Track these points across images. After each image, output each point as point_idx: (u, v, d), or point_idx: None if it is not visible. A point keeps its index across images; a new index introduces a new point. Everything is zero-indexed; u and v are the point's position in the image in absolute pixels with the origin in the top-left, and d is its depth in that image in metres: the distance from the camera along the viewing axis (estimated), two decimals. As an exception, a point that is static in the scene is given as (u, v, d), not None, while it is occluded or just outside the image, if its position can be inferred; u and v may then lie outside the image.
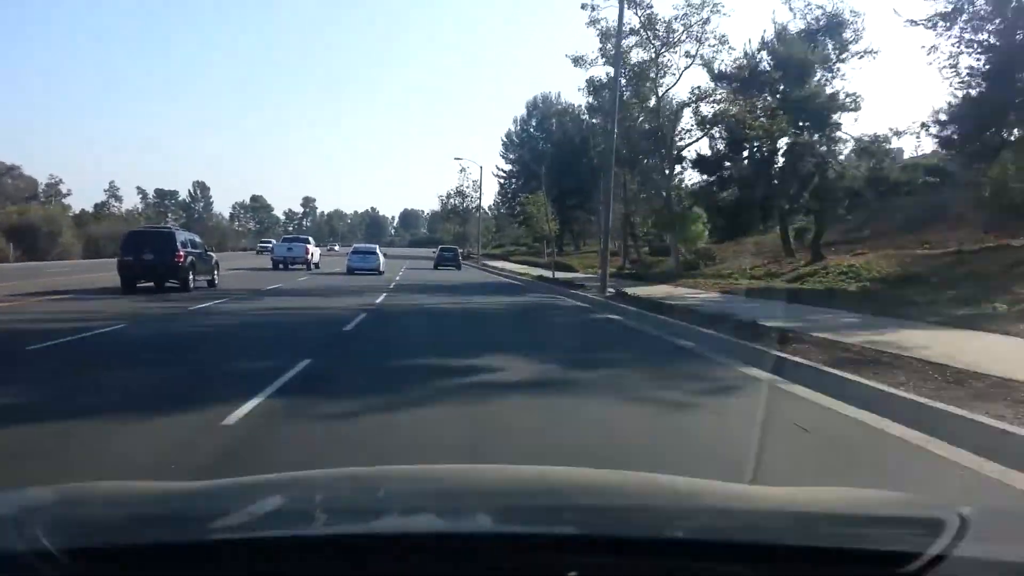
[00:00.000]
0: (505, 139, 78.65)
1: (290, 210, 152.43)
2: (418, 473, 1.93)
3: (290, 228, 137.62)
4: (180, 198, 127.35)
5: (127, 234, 17.70)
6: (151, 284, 16.34)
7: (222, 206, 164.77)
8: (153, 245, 16.17)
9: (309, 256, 31.41)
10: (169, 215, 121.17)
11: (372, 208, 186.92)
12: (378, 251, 30.41)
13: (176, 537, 1.12)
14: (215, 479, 1.68)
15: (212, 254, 19.42)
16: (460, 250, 51.20)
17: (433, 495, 1.48)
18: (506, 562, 1.00)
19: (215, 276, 18.62)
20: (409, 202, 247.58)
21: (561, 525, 1.27)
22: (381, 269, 28.93)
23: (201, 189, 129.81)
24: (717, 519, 1.33)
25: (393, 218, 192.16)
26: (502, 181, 76.46)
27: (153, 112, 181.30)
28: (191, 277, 16.61)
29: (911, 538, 1.16)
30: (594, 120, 63.43)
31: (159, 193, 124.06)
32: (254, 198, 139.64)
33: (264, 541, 1.09)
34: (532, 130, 75.08)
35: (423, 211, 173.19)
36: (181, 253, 16.22)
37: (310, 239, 35.27)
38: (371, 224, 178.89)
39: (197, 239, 18.63)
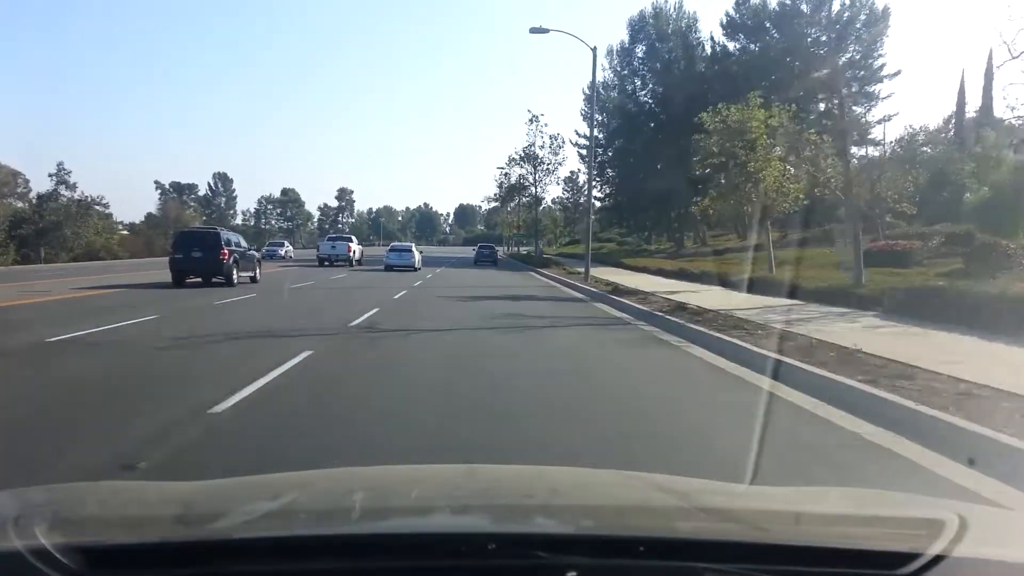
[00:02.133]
0: (587, 90, 63.97)
1: (325, 205, 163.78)
2: (418, 473, 2.51)
3: (326, 225, 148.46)
4: (201, 192, 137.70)
5: (177, 234, 24.88)
6: (199, 280, 22.62)
7: (247, 200, 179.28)
8: (201, 244, 22.49)
9: (351, 254, 42.83)
10: (186, 213, 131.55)
11: (425, 204, 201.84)
12: (414, 249, 41.74)
13: (175, 536, 1.44)
14: (214, 479, 2.28)
15: (255, 252, 26.18)
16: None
17: (433, 495, 1.91)
18: (506, 562, 1.26)
19: (257, 272, 25.16)
20: (465, 197, 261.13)
21: (561, 525, 1.62)
22: (417, 266, 39.36)
23: (222, 181, 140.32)
24: (717, 519, 1.68)
25: (448, 215, 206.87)
26: (583, 151, 62.39)
27: (172, 100, 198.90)
28: (235, 273, 22.83)
29: (911, 538, 1.44)
30: (733, 44, 49.37)
31: (175, 187, 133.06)
32: (285, 191, 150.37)
33: (263, 541, 1.37)
34: (637, 62, 57.40)
35: (479, 206, 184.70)
36: (226, 251, 22.42)
37: (353, 238, 48.17)
38: (422, 221, 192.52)
39: (241, 239, 25.47)
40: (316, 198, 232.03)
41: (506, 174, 63.02)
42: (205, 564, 1.25)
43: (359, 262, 43.70)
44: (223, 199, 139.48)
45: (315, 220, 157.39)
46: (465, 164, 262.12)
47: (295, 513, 1.73)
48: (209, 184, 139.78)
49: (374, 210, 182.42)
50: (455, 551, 1.28)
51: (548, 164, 58.55)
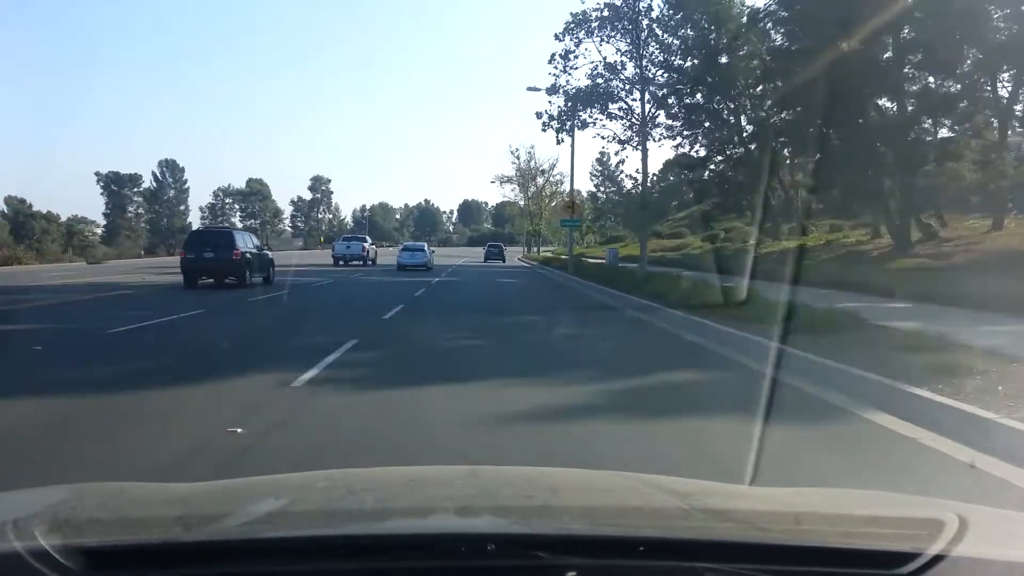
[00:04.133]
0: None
1: (299, 198, 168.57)
2: (418, 473, 3.12)
3: (299, 222, 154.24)
4: (145, 185, 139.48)
5: (189, 234, 30.49)
6: (211, 280, 27.98)
7: (204, 193, 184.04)
8: (213, 244, 27.85)
9: (366, 253, 54.57)
10: (128, 209, 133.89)
11: (425, 200, 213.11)
12: (426, 248, 52.40)
13: (175, 537, 1.82)
14: (215, 479, 2.92)
15: (269, 252, 31.93)
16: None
17: (433, 496, 2.40)
18: (506, 562, 1.59)
19: (271, 273, 30.73)
20: (470, 193, 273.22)
21: (561, 525, 2.03)
22: (430, 265, 48.66)
23: (171, 170, 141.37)
24: (717, 519, 2.10)
25: (451, 212, 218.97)
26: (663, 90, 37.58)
27: (115, 78, 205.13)
28: (248, 274, 28.18)
29: (911, 538, 1.76)
30: None
31: (114, 178, 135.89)
32: (251, 182, 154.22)
33: (263, 542, 1.73)
34: None
35: (485, 203, 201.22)
36: (239, 251, 27.70)
37: (367, 238, 61.48)
38: (421, 219, 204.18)
39: (255, 238, 31.23)
40: (292, 192, 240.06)
41: (557, 81, 36.68)
42: (205, 565, 1.59)
43: (373, 261, 55.65)
44: (172, 191, 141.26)
45: (285, 216, 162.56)
46: (470, 158, 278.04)
47: (295, 514, 2.18)
48: (154, 174, 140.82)
49: (367, 207, 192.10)
50: (455, 552, 1.62)
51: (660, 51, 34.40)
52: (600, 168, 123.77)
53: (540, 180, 76.29)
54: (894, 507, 2.43)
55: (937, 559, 1.55)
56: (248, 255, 28.63)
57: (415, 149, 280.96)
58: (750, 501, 2.49)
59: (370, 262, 54.90)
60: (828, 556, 1.61)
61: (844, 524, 2.08)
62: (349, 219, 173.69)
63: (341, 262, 53.87)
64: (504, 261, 68.90)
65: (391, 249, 68.33)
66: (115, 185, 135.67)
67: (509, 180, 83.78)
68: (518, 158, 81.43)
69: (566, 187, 65.30)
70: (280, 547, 1.67)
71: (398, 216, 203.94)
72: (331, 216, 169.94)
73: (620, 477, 3.18)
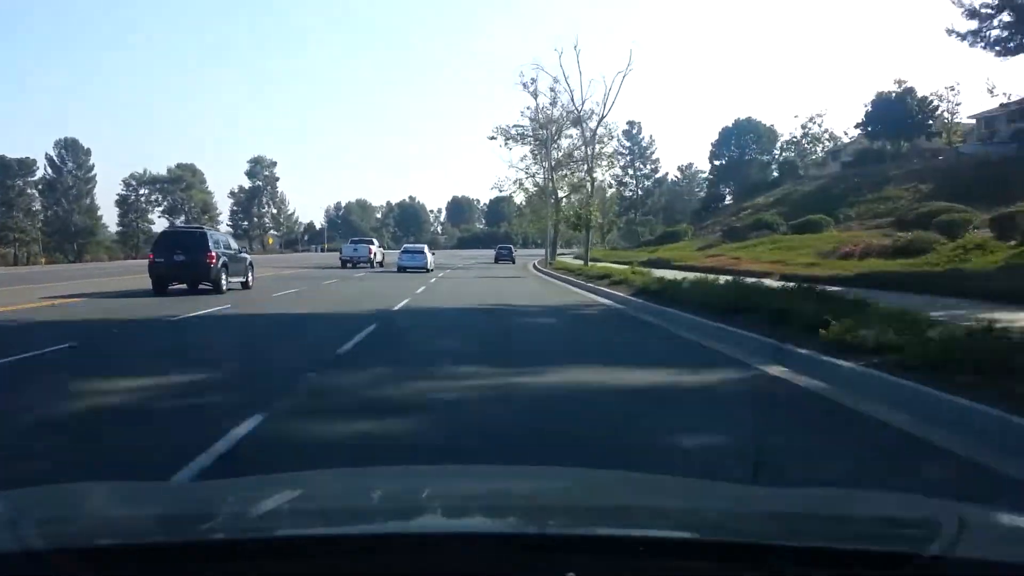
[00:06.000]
0: None
1: (240, 187, 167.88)
2: (418, 473, 3.81)
3: (239, 217, 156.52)
4: (40, 174, 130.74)
5: (158, 235, 33.93)
6: (183, 286, 30.67)
7: (114, 182, 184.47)
8: (184, 246, 30.44)
9: (372, 255, 67.95)
10: (19, 204, 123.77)
11: (410, 197, 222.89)
12: (426, 251, 63.03)
13: (172, 538, 2.18)
14: (213, 479, 4.36)
15: (246, 255, 34.84)
16: None
17: (432, 495, 2.90)
18: (506, 562, 1.90)
19: (249, 278, 33.49)
20: (461, 189, 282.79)
21: (561, 525, 2.46)
22: (429, 267, 59.40)
23: (71, 152, 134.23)
24: (717, 519, 2.54)
25: (439, 211, 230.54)
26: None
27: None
28: (224, 278, 30.81)
29: (910, 539, 2.20)
30: None
31: None
32: (180, 168, 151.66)
33: (260, 542, 2.07)
34: None
35: (477, 200, 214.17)
36: (213, 254, 30.25)
37: (374, 240, 77.00)
38: (404, 217, 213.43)
39: (231, 240, 34.16)
40: (233, 183, 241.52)
41: None
42: (203, 565, 1.89)
43: (380, 264, 68.42)
44: (72, 178, 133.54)
45: (219, 212, 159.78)
46: (461, 151, 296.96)
47: (294, 513, 2.64)
48: (49, 157, 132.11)
49: (343, 204, 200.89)
50: (454, 552, 1.94)
51: None
52: (628, 144, 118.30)
53: (589, 126, 57.49)
54: (893, 508, 2.84)
55: (936, 560, 1.87)
56: (224, 258, 31.38)
57: (399, 140, 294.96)
58: (750, 501, 2.91)
59: (377, 264, 67.97)
60: (827, 557, 1.94)
61: (843, 525, 2.49)
62: (321, 218, 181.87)
63: (348, 264, 66.40)
64: (514, 263, 78.80)
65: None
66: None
67: (520, 137, 66.99)
68: (535, 95, 63.85)
69: (613, 150, 64.02)
70: (279, 547, 2.04)
71: (378, 215, 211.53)
72: (276, 211, 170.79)
73: (620, 476, 3.85)
